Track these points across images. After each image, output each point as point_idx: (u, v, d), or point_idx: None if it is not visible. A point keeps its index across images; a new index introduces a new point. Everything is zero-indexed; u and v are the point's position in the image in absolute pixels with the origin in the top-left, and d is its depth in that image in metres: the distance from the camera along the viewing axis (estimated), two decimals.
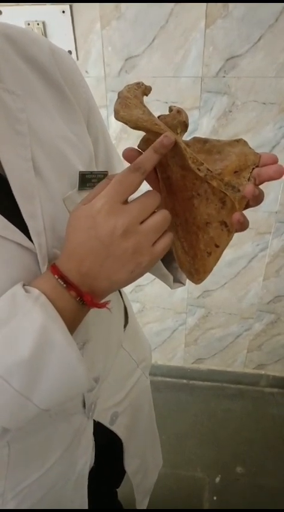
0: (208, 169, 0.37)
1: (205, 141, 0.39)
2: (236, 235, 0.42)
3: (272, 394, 1.74)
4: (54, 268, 0.37)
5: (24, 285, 0.37)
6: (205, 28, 1.06)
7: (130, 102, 0.36)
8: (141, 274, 0.38)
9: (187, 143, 0.39)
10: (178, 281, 0.59)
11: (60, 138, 0.44)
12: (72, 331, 0.37)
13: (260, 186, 0.39)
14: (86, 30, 1.11)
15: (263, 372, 1.75)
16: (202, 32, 1.07)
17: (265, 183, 0.39)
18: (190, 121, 1.35)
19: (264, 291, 1.51)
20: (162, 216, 0.37)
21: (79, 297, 0.36)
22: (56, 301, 0.36)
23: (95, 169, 0.51)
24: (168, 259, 0.56)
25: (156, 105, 1.19)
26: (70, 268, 0.36)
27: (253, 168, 0.38)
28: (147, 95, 0.38)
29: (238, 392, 1.75)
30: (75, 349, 0.36)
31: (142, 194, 0.37)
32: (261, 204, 1.40)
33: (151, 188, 0.41)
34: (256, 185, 0.39)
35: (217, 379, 1.79)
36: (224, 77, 1.13)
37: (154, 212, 0.37)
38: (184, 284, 0.59)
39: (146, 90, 0.38)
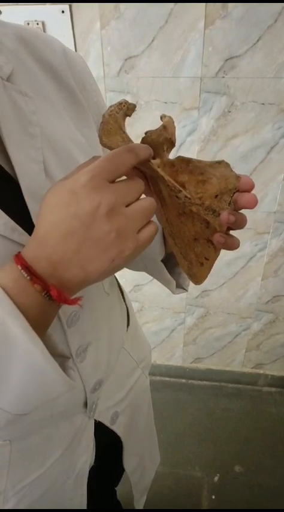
0: (185, 196, 0.38)
1: (188, 161, 0.39)
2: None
3: (270, 393, 1.75)
4: (18, 257, 0.31)
5: None
6: (204, 28, 1.07)
7: (111, 128, 0.37)
8: (120, 267, 0.33)
9: (172, 162, 0.39)
10: (180, 287, 0.59)
11: (70, 141, 0.44)
12: (41, 330, 0.33)
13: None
14: (85, 30, 1.11)
15: (261, 371, 1.76)
16: (201, 32, 1.07)
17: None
18: (189, 121, 1.35)
19: (262, 291, 1.52)
20: (149, 202, 0.34)
21: (46, 292, 0.31)
22: (18, 296, 0.30)
23: None
24: (171, 264, 0.56)
25: (155, 105, 1.19)
26: (38, 256, 0.31)
27: (234, 192, 0.38)
28: (129, 116, 0.38)
29: (237, 392, 1.76)
30: (41, 347, 0.31)
31: (126, 178, 0.34)
32: (260, 205, 1.41)
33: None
34: (236, 210, 0.38)
35: (215, 378, 1.79)
36: (223, 77, 1.13)
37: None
38: (186, 290, 0.59)
39: (128, 111, 0.37)
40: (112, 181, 0.32)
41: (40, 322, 0.33)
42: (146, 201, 0.34)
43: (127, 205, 0.32)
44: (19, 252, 0.32)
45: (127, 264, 0.34)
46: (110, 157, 0.32)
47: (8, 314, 0.30)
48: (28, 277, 0.31)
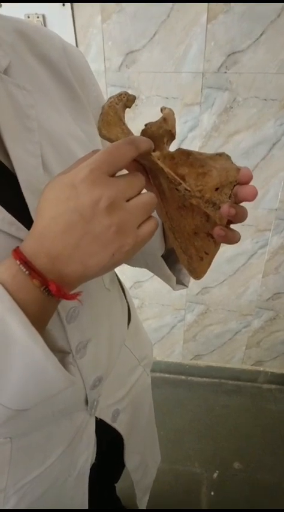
0: (186, 189, 0.38)
1: (188, 153, 0.38)
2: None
3: (270, 391, 1.75)
4: (16, 251, 0.31)
5: None
6: (206, 23, 1.05)
7: (111, 120, 0.36)
8: (120, 262, 0.33)
9: (172, 155, 0.39)
10: (181, 283, 0.58)
11: (69, 136, 0.44)
12: (40, 325, 0.32)
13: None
14: (86, 24, 1.10)
15: (261, 369, 1.76)
16: (203, 27, 1.06)
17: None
18: (190, 117, 1.34)
19: (263, 288, 1.51)
20: (150, 197, 0.33)
21: (45, 287, 0.31)
22: (17, 292, 0.30)
23: None
24: (171, 260, 0.56)
25: (157, 100, 1.18)
26: (37, 251, 0.30)
27: (235, 185, 0.37)
28: (129, 107, 0.37)
29: (236, 389, 1.76)
30: (41, 344, 0.31)
31: (127, 173, 0.33)
32: (261, 201, 1.40)
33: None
34: (236, 203, 0.38)
35: (215, 375, 1.79)
36: (225, 72, 1.12)
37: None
38: (186, 286, 0.59)
39: (128, 102, 0.37)
40: (113, 175, 0.31)
41: (39, 318, 0.32)
42: (147, 196, 0.33)
43: (127, 200, 0.32)
44: (17, 247, 0.32)
45: (127, 259, 0.33)
46: (110, 150, 0.31)
47: (8, 310, 0.30)
48: (27, 272, 0.30)
